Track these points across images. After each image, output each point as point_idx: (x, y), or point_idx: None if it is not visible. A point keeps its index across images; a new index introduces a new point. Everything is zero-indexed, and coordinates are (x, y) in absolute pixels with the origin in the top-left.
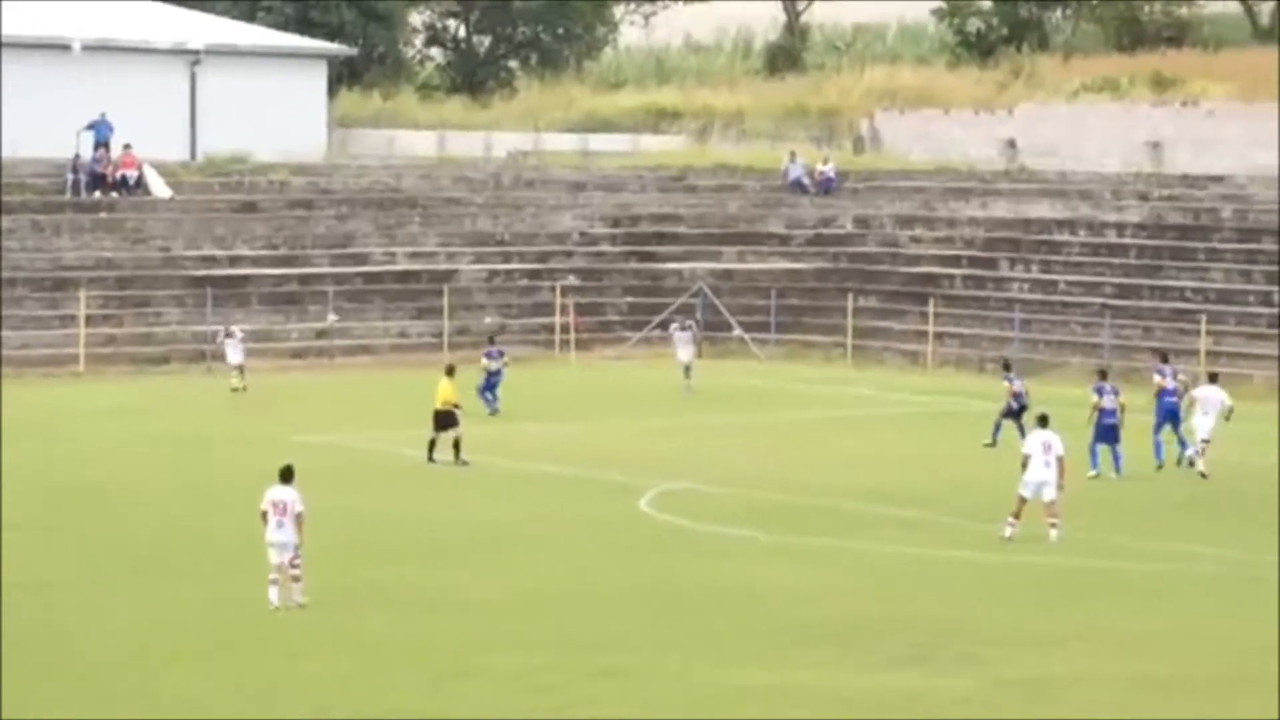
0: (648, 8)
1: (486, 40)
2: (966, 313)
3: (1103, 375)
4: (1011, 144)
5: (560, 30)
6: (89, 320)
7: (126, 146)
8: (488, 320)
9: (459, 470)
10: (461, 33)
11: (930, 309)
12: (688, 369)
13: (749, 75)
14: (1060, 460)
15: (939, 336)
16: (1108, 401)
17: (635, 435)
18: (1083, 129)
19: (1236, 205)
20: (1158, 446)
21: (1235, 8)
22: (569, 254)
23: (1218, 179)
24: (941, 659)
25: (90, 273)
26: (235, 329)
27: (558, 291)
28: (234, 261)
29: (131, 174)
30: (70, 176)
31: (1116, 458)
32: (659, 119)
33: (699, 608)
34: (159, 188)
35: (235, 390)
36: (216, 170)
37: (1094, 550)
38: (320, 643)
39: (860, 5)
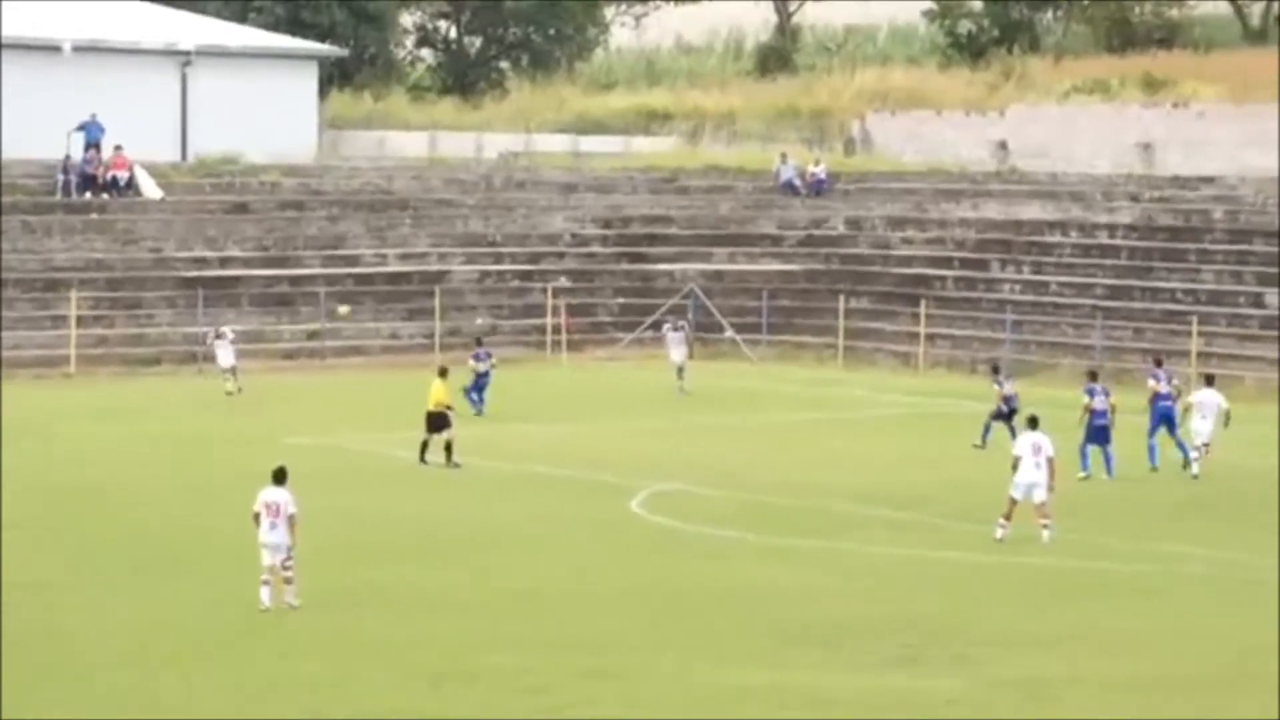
0: (639, 9)
1: (477, 41)
2: (958, 314)
3: (1093, 377)
4: (1003, 145)
5: (551, 31)
6: (80, 321)
7: (117, 147)
8: (479, 321)
9: (451, 472)
10: (452, 34)
11: (922, 310)
12: (681, 370)
13: (740, 76)
14: (1051, 462)
15: (930, 338)
16: (1098, 403)
17: (627, 436)
18: (1074, 130)
19: (1227, 207)
20: (1151, 450)
21: (1226, 9)
22: (560, 255)
23: (1208, 180)
24: (933, 659)
25: (81, 274)
26: (226, 330)
27: (549, 293)
28: (225, 263)
29: (122, 175)
30: (61, 177)
31: (1108, 459)
32: (650, 120)
33: (691, 609)
34: (150, 189)
35: (230, 394)
36: (208, 171)
37: (1086, 551)
38: (315, 643)
39: (851, 6)
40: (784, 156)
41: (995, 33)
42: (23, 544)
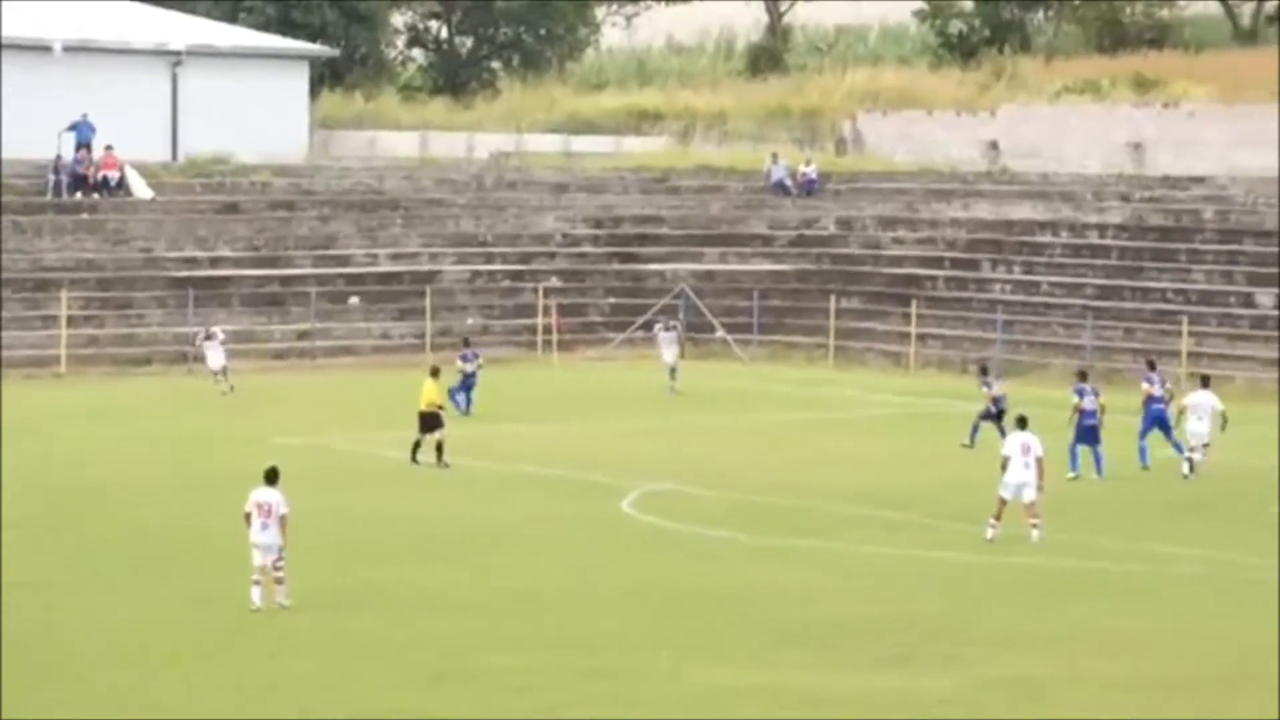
0: (630, 9)
1: (468, 41)
2: (949, 314)
3: (1083, 377)
4: (993, 145)
5: (542, 31)
6: (70, 321)
7: (108, 147)
8: (470, 321)
9: (442, 472)
10: (443, 34)
11: (912, 310)
12: (673, 370)
13: (731, 76)
14: (1039, 461)
15: (921, 338)
16: (1088, 403)
17: (618, 436)
18: (1064, 130)
19: (1218, 207)
20: (1142, 451)
21: (1216, 9)
22: (551, 255)
23: (1199, 180)
24: (925, 659)
25: (72, 274)
26: (216, 330)
27: (540, 293)
28: (215, 263)
29: (113, 175)
30: (52, 177)
31: (1097, 459)
32: (641, 120)
33: (685, 609)
34: (140, 189)
35: (223, 394)
36: (198, 171)
37: (1078, 551)
38: (308, 644)
39: (842, 6)
40: (775, 156)
41: (986, 33)
42: (17, 544)
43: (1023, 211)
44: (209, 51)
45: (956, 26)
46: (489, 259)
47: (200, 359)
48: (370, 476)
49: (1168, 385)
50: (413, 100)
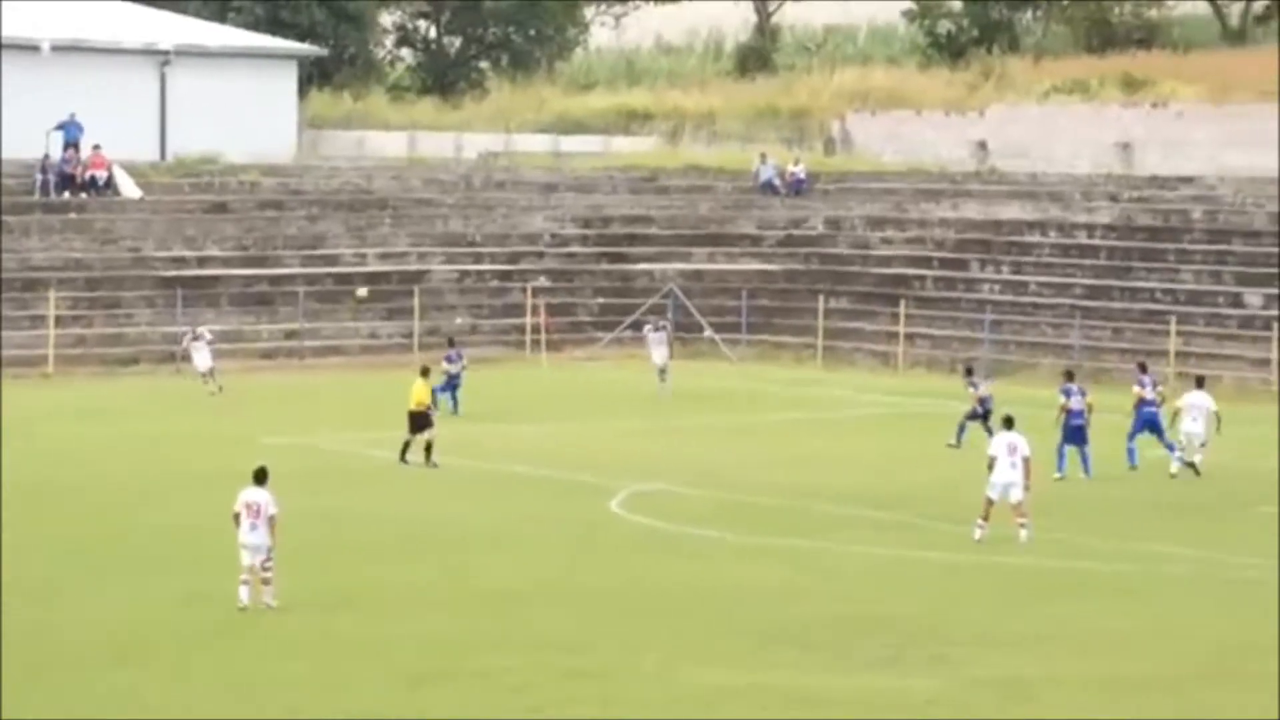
0: (618, 9)
1: (457, 41)
2: (937, 314)
3: (1069, 377)
4: (982, 145)
5: (531, 31)
6: (58, 321)
7: (96, 147)
8: (458, 321)
9: (430, 471)
10: (432, 33)
11: (901, 310)
12: (663, 372)
13: (720, 76)
14: (1026, 461)
15: (910, 338)
16: (1074, 403)
17: (606, 436)
18: (1053, 130)
19: (1206, 206)
20: (1130, 452)
21: (1205, 9)
22: (540, 255)
23: (1187, 180)
24: (913, 659)
25: (60, 273)
26: (204, 331)
27: (529, 292)
28: (204, 262)
29: (101, 174)
30: (39, 177)
31: (1085, 459)
32: (630, 120)
33: (672, 609)
34: (128, 188)
35: (211, 395)
36: (186, 171)
37: (1064, 551)
38: (295, 644)
39: (831, 6)
40: (764, 156)
41: (975, 33)
42: (5, 544)
43: (1011, 211)
44: (197, 51)
45: (945, 26)
46: (477, 259)
47: (188, 359)
48: (358, 476)
49: (1160, 388)
50: (401, 100)
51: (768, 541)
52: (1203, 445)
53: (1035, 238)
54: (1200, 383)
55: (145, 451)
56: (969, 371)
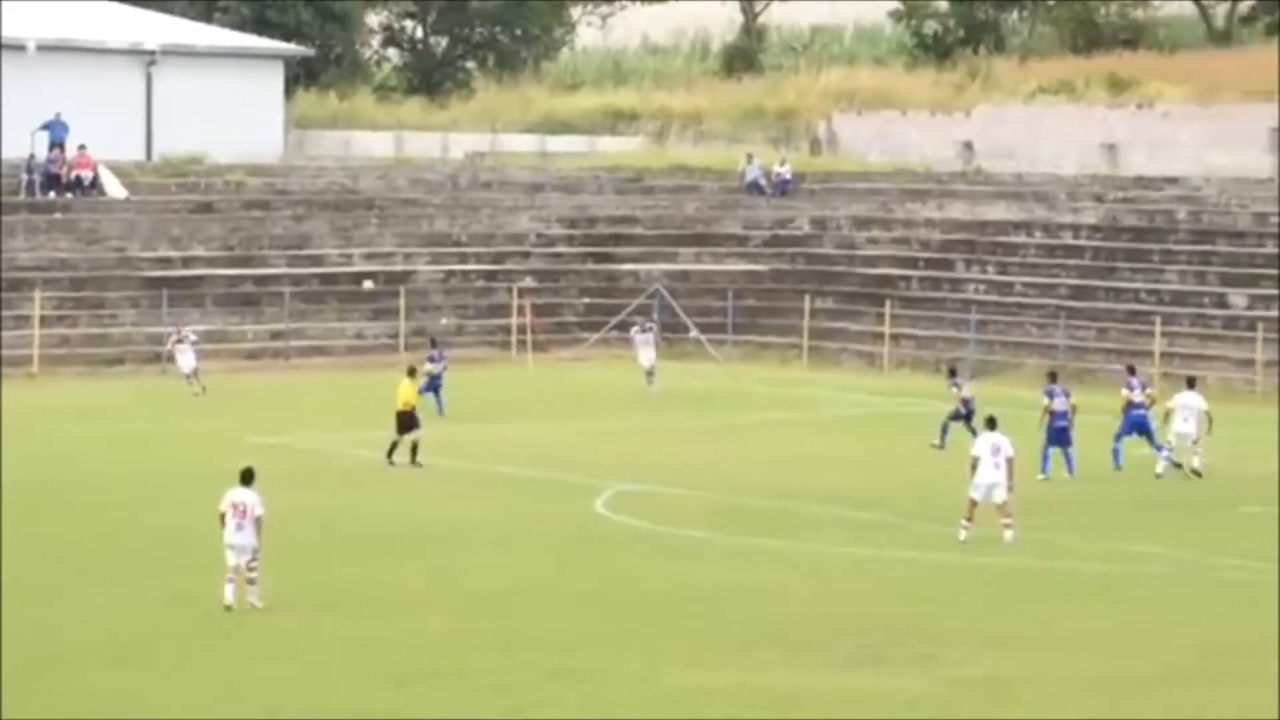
0: (605, 9)
1: (444, 41)
2: (923, 314)
3: (1052, 378)
4: (968, 146)
5: (517, 31)
6: (44, 321)
7: (82, 147)
8: (444, 321)
9: (415, 472)
10: (419, 34)
11: (887, 310)
12: (650, 373)
13: (706, 76)
14: (1010, 462)
15: (895, 338)
16: (1058, 404)
17: (591, 436)
18: (1039, 131)
19: (1191, 207)
20: (1116, 453)
21: (1190, 10)
22: (526, 255)
23: (1172, 181)
24: (895, 659)
25: (45, 273)
26: (188, 332)
27: (514, 292)
28: (189, 262)
29: (87, 174)
30: (25, 177)
31: (1068, 459)
32: (616, 120)
33: (655, 608)
34: (114, 188)
35: (195, 395)
36: (172, 171)
37: (1049, 551)
38: (280, 644)
39: (817, 7)
40: (750, 156)
41: (961, 33)
42: None
43: (997, 212)
44: (184, 51)
45: (931, 27)
46: (463, 259)
47: (172, 360)
48: (344, 477)
49: (1149, 390)
50: (388, 100)
51: (752, 541)
52: (1195, 444)
53: (1021, 238)
54: (1191, 383)
55: (132, 452)
56: (952, 372)
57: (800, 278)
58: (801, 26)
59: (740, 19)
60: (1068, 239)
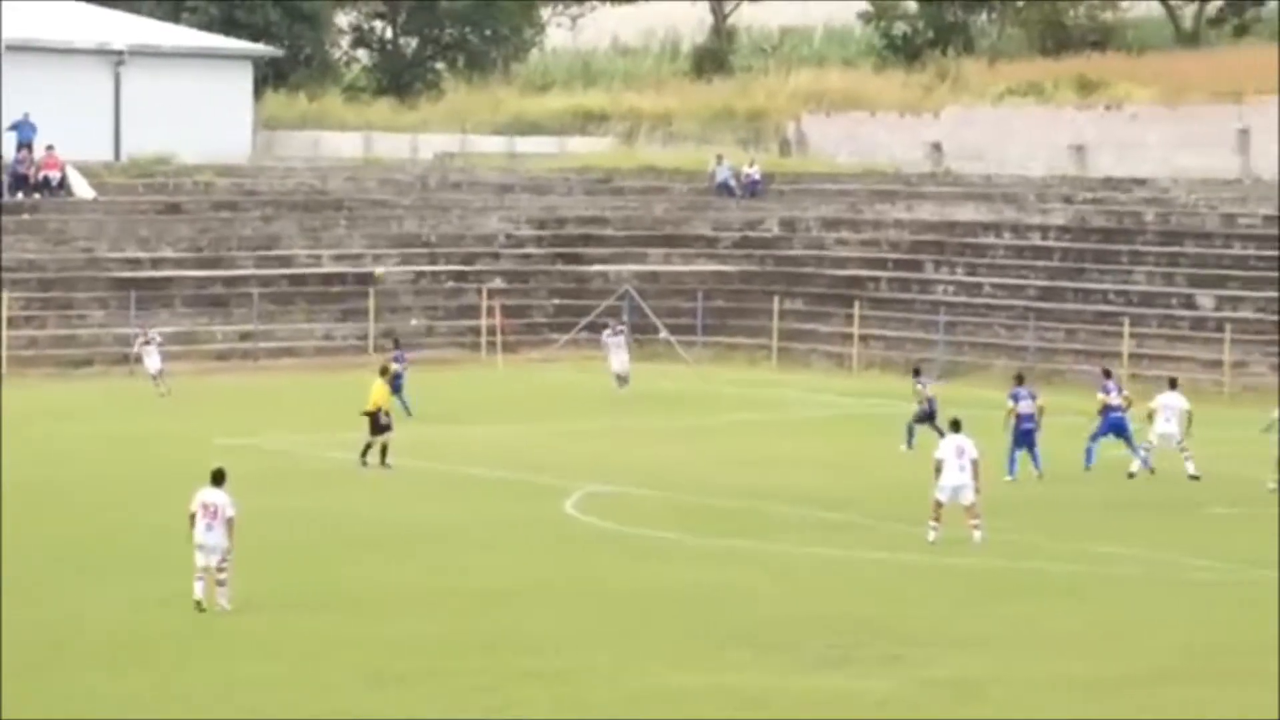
0: (574, 10)
1: (413, 42)
2: (892, 315)
3: (1019, 380)
4: (937, 147)
5: (487, 32)
6: (11, 322)
7: (49, 147)
8: (414, 323)
9: (385, 473)
10: (388, 34)
11: (856, 311)
12: (622, 378)
13: (676, 78)
14: (975, 464)
15: (864, 339)
16: (1024, 407)
17: (561, 438)
18: (1008, 132)
19: (1159, 208)
20: (1089, 453)
21: (1158, 12)
22: (495, 256)
23: (1141, 182)
24: (865, 660)
25: (12, 274)
26: (154, 333)
27: (484, 294)
28: (158, 263)
29: (55, 175)
30: None
31: (1034, 457)
32: (586, 121)
33: (625, 609)
34: (82, 189)
35: (162, 396)
36: (141, 171)
37: (1016, 552)
38: (251, 645)
39: (787, 8)
40: (719, 158)
41: (930, 35)
42: None
43: (966, 213)
44: (152, 51)
45: (900, 28)
46: (433, 260)
47: (139, 361)
48: (314, 478)
49: (1124, 393)
50: (357, 101)
51: (722, 542)
52: (1181, 446)
53: (989, 239)
54: (1173, 384)
55: (102, 453)
56: (916, 372)
57: (769, 279)
58: (771, 28)
59: (710, 20)
60: (1036, 240)
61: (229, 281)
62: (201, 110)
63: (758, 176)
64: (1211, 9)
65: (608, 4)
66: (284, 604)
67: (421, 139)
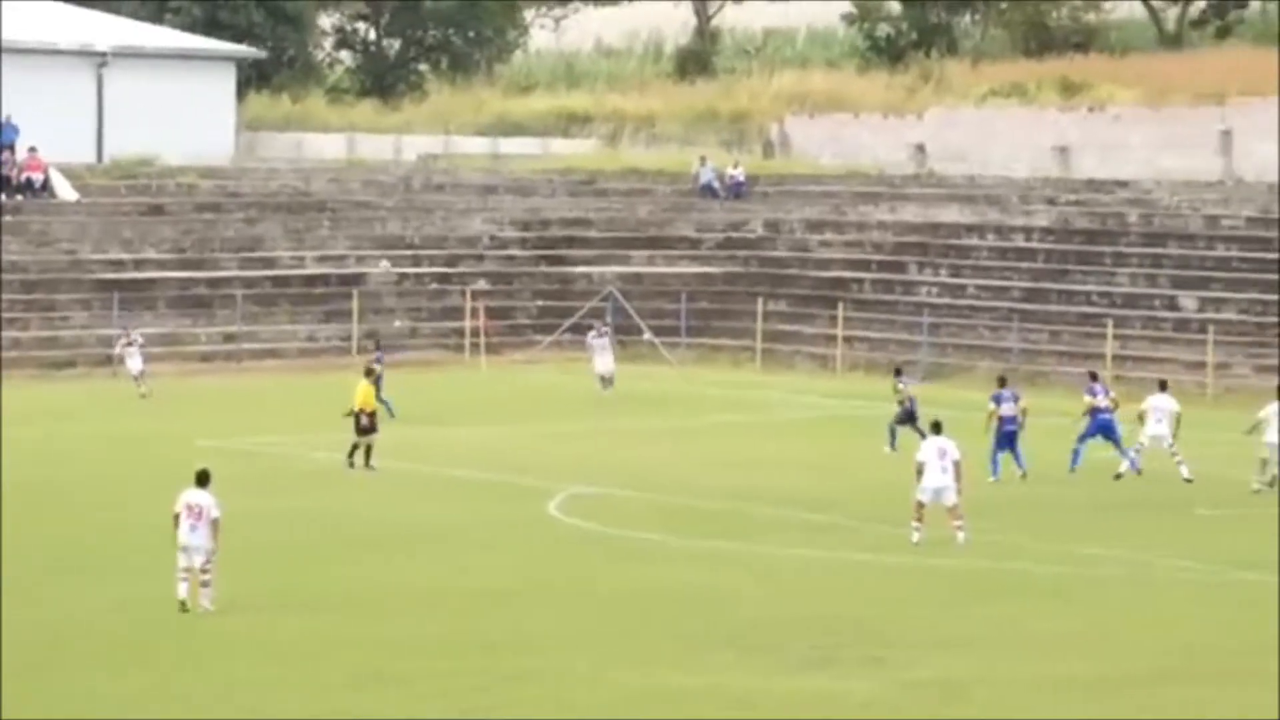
0: (558, 11)
1: (396, 43)
2: (875, 316)
3: (1002, 383)
4: (920, 148)
5: (470, 33)
6: None
7: (32, 149)
8: (397, 324)
9: (369, 474)
10: (371, 35)
11: (839, 313)
12: (607, 380)
13: (659, 79)
14: (957, 465)
15: (848, 340)
16: (1006, 409)
17: (545, 439)
18: (991, 134)
19: (1142, 210)
20: (1076, 454)
21: (1141, 13)
22: (479, 258)
23: (1124, 184)
24: (848, 661)
25: None
26: (136, 335)
27: (468, 295)
28: (141, 265)
29: (37, 177)
30: None
31: (1017, 456)
32: (569, 123)
33: (609, 611)
34: (65, 190)
35: (144, 396)
36: (123, 173)
37: (1001, 553)
38: (235, 646)
39: (770, 9)
40: (703, 159)
41: (913, 36)
42: None
43: (949, 214)
44: (134, 52)
45: (884, 30)
46: (416, 261)
47: (123, 362)
48: (297, 479)
49: (1111, 395)
50: (340, 102)
51: (706, 544)
52: (1172, 449)
53: (973, 240)
54: (1163, 386)
55: (85, 454)
56: (898, 372)
57: (753, 280)
58: (754, 29)
59: (693, 22)
60: (1020, 242)
61: (212, 283)
62: (185, 111)
63: (741, 178)
64: (1194, 11)
65: (591, 6)
66: (265, 606)
67: (405, 140)
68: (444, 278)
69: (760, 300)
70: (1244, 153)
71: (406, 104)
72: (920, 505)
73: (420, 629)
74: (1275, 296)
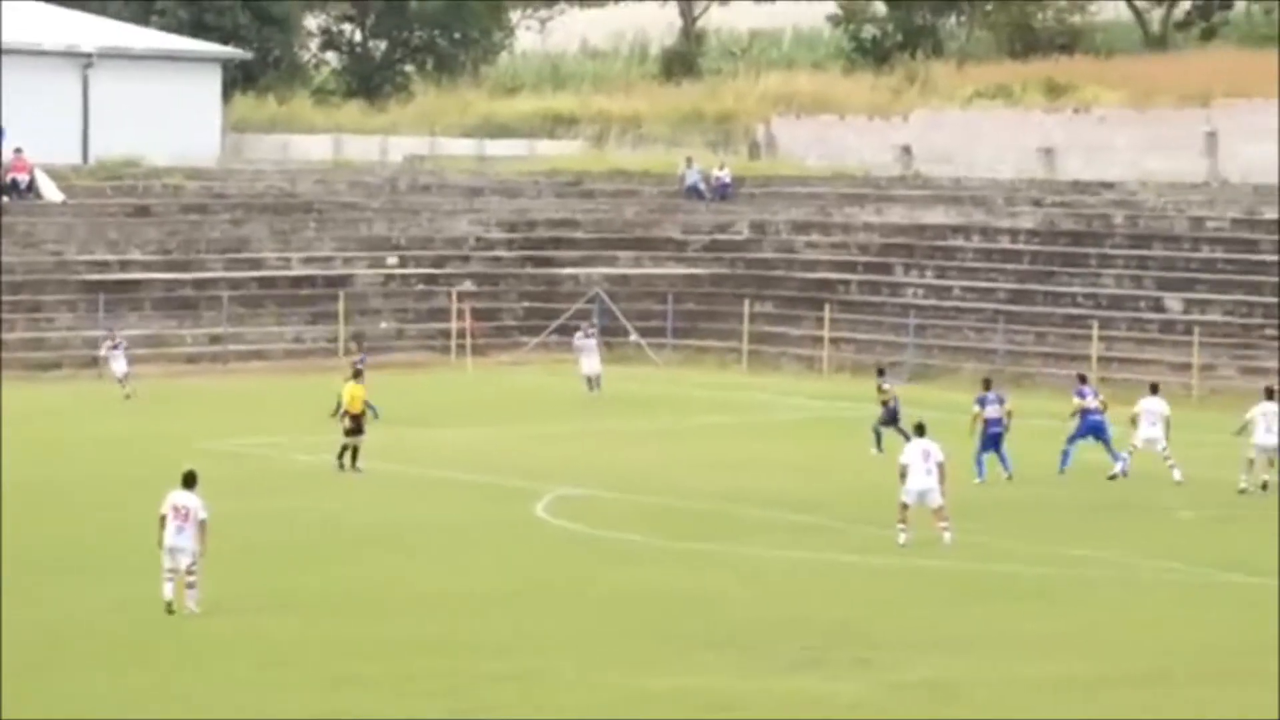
0: (544, 12)
1: (382, 44)
2: (862, 318)
3: (986, 385)
4: (906, 150)
5: (457, 35)
6: None
7: (18, 150)
8: (383, 325)
9: (355, 476)
10: (357, 36)
11: (826, 314)
12: (593, 381)
13: (645, 80)
14: (941, 466)
15: (834, 342)
16: (991, 411)
17: (531, 440)
18: (976, 135)
19: (1127, 211)
20: (1065, 455)
21: (1126, 15)
22: (465, 259)
23: (1109, 185)
24: (835, 663)
25: None
26: (120, 337)
27: (454, 297)
28: (126, 266)
29: (23, 178)
30: None
31: (1003, 458)
32: (556, 124)
33: (595, 612)
34: (51, 191)
35: (128, 398)
36: (109, 174)
37: (988, 554)
38: (218, 646)
39: (756, 10)
40: (689, 160)
41: (899, 37)
42: None
43: (935, 216)
44: (120, 54)
45: (869, 31)
46: (402, 262)
47: (107, 365)
48: (284, 480)
49: (1100, 397)
50: (326, 103)
51: (693, 546)
52: (1165, 452)
53: (959, 242)
54: (1154, 389)
55: (71, 456)
56: (881, 372)
57: (739, 282)
58: (740, 30)
59: (679, 23)
60: (1005, 243)
61: (198, 284)
62: (170, 113)
63: (727, 179)
64: (1179, 12)
65: (577, 7)
66: (248, 606)
67: (391, 141)
68: (430, 279)
69: (746, 301)
70: (1229, 154)
71: (392, 105)
72: (905, 507)
73: (408, 630)
74: (1260, 298)
